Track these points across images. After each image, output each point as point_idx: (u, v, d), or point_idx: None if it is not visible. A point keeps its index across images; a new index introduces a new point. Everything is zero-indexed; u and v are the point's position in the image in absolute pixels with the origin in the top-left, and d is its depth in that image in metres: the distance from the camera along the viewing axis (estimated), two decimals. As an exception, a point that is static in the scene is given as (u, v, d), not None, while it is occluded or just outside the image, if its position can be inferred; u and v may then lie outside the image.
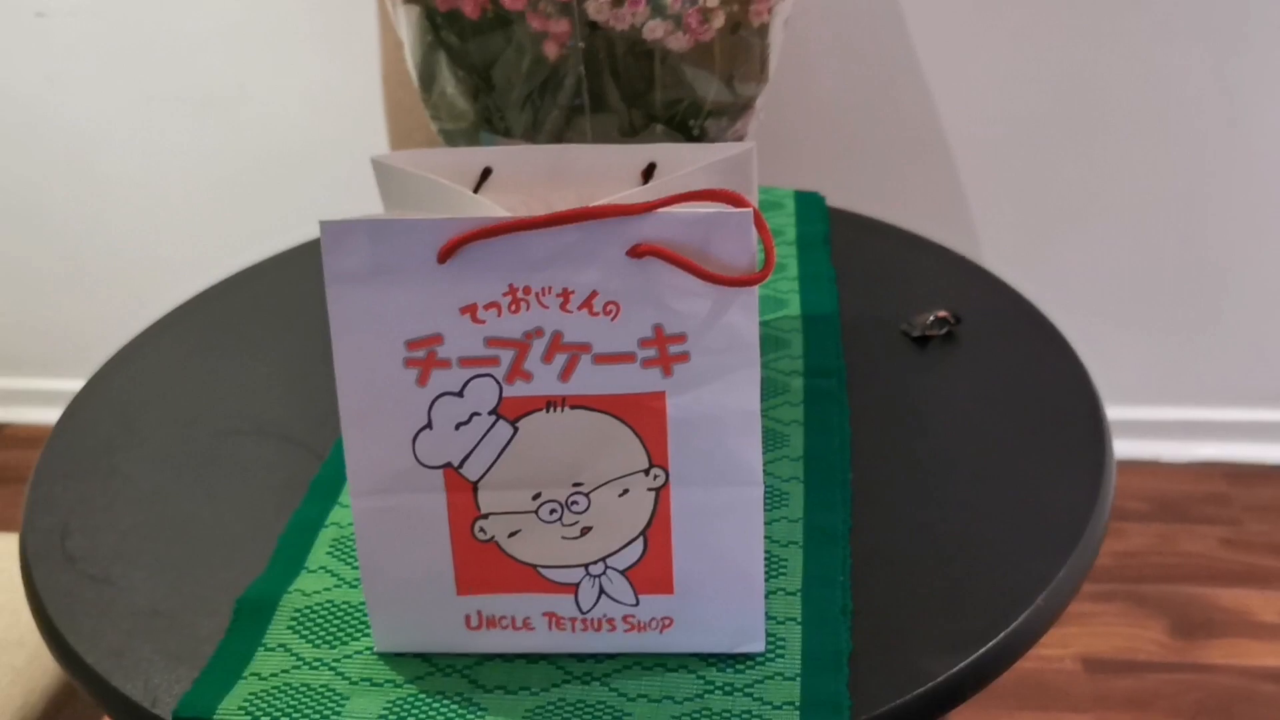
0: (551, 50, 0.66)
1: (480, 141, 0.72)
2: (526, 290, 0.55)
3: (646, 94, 0.67)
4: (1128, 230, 1.61)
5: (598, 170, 0.63)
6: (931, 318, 0.87)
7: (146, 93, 1.64)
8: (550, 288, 0.55)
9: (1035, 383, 0.82)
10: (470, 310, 0.55)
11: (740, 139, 0.73)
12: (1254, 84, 1.51)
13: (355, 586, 0.67)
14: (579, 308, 0.55)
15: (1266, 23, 1.47)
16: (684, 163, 0.62)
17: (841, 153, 1.57)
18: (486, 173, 0.63)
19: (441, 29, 0.67)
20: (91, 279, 1.79)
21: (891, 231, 0.99)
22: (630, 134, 0.68)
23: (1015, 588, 0.65)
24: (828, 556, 0.67)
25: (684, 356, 0.56)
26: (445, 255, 0.54)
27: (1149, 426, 1.73)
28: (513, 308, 0.55)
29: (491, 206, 0.57)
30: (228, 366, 0.89)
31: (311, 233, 1.09)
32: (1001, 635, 0.62)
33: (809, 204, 1.01)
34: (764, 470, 0.59)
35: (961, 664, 0.60)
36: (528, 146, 0.63)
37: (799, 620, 0.63)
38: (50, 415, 1.01)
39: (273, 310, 0.96)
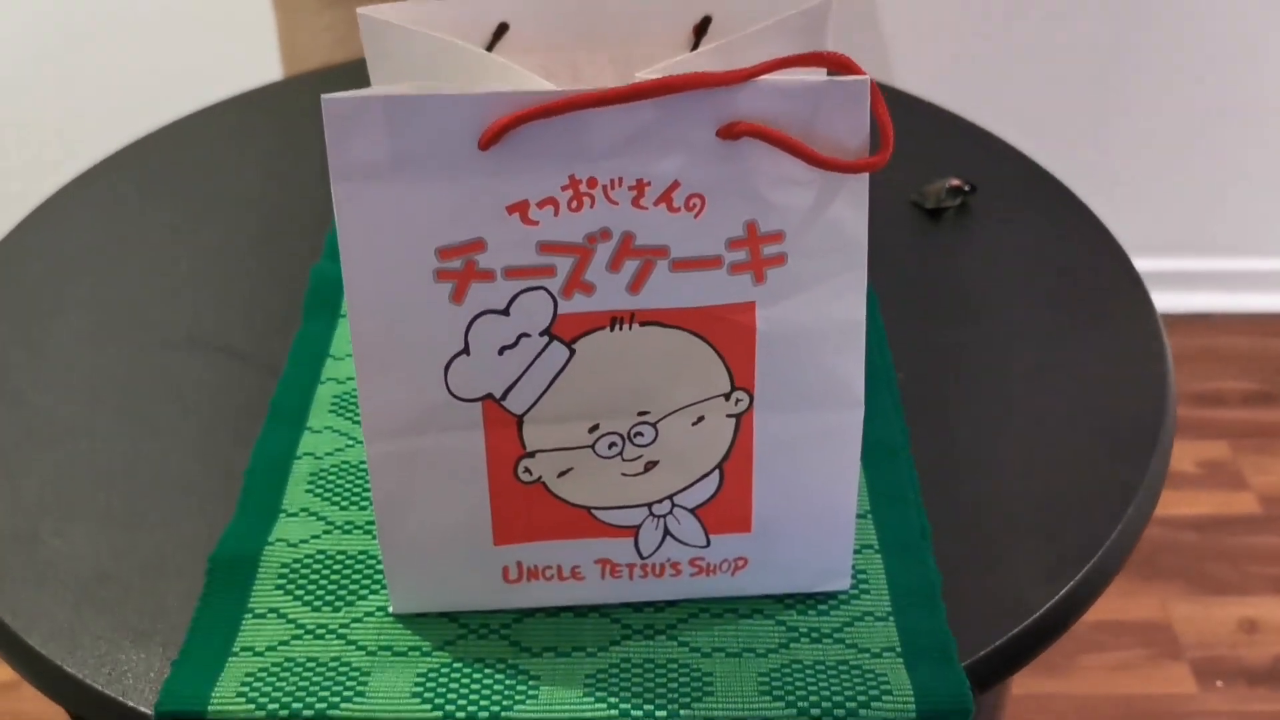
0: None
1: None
2: (591, 183, 0.44)
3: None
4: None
5: (638, 26, 0.51)
6: (945, 187, 0.79)
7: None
8: (620, 179, 0.44)
9: (1063, 253, 0.75)
10: (520, 209, 0.44)
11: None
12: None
13: (349, 532, 0.56)
14: (655, 203, 0.45)
15: None
16: (746, 15, 0.51)
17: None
18: (500, 31, 0.51)
19: None
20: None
21: (888, 93, 0.90)
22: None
23: (1102, 497, 0.58)
24: (892, 472, 0.59)
25: (779, 259, 0.46)
26: (490, 140, 0.43)
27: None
28: (573, 205, 0.44)
29: (527, 75, 0.45)
30: (139, 260, 0.75)
31: (214, 91, 0.94)
32: (1100, 552, 0.56)
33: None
34: None
35: (1064, 590, 0.54)
36: (551, -3, 0.51)
37: (876, 547, 0.55)
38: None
39: (189, 185, 0.82)
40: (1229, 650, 1.33)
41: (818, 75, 0.45)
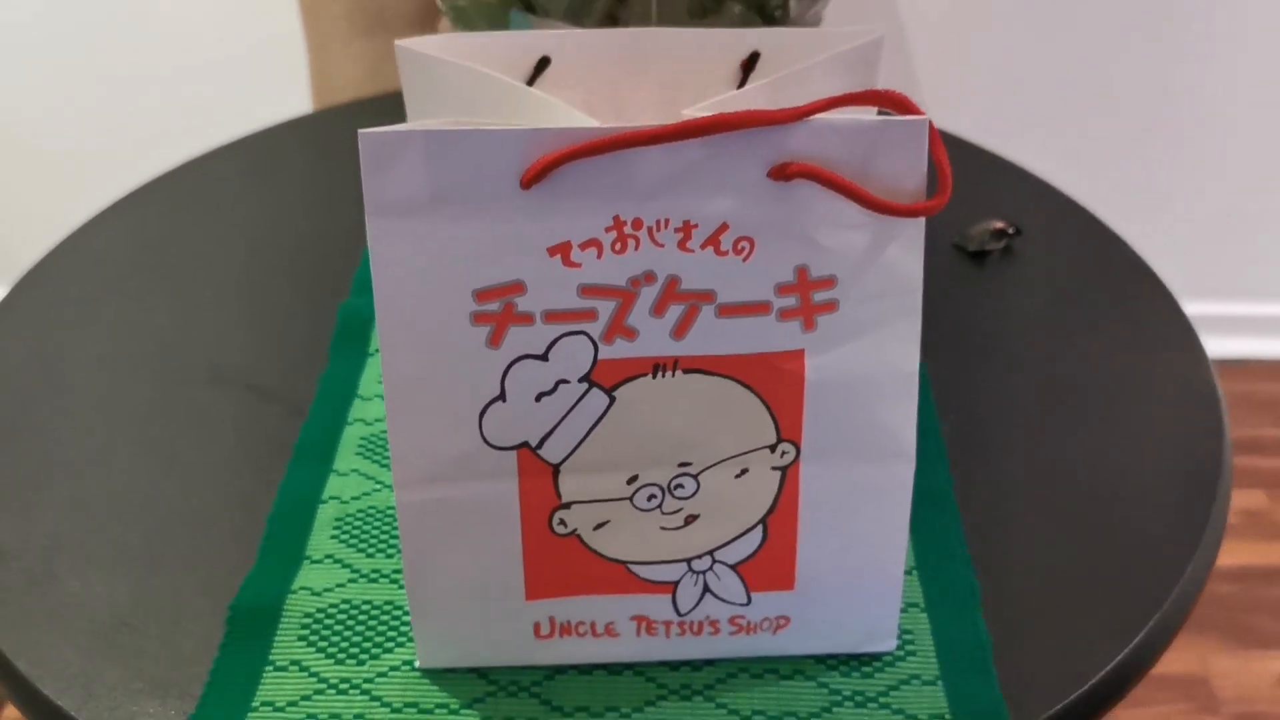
0: (610, -95, 0.52)
1: (509, 22, 0.57)
2: (636, 224, 0.42)
3: (719, -36, 0.54)
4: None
5: (683, 61, 0.50)
6: (989, 230, 0.77)
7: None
8: (667, 220, 0.42)
9: (1109, 298, 0.73)
10: (562, 250, 0.42)
11: (818, 21, 0.61)
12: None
13: (374, 580, 0.54)
14: (703, 245, 0.43)
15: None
16: (795, 52, 0.49)
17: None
18: (543, 64, 0.49)
19: (467, -125, 0.53)
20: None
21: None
22: (700, 15, 0.55)
23: (1159, 551, 0.56)
24: (939, 524, 0.57)
25: (831, 305, 0.44)
26: (532, 179, 0.41)
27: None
28: (617, 247, 0.42)
29: (571, 111, 0.44)
30: (166, 293, 0.74)
31: (244, 124, 0.93)
32: (1161, 611, 0.53)
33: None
34: None
35: (1124, 652, 0.51)
36: (595, 30, 0.49)
37: (922, 606, 0.53)
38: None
39: (217, 217, 0.81)
40: (1269, 706, 1.29)
41: (872, 114, 0.44)
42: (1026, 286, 0.75)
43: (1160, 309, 0.72)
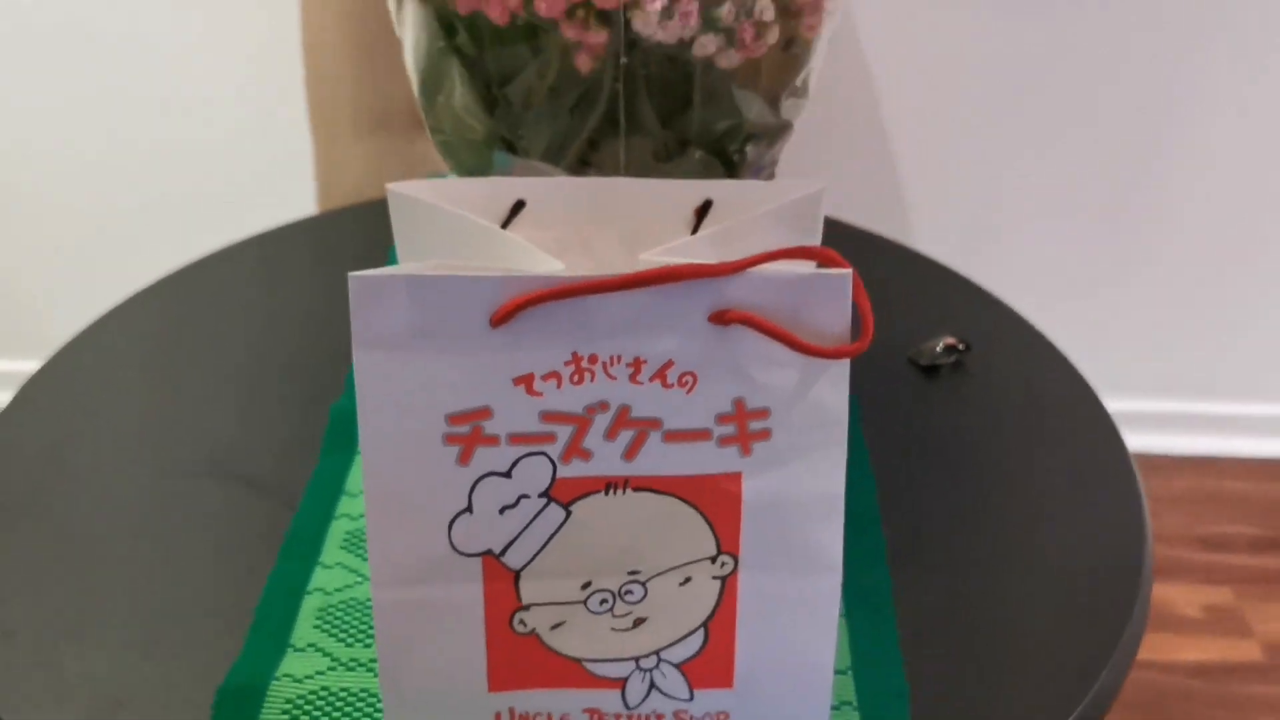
0: (584, 64, 0.58)
1: (491, 161, 0.63)
2: (592, 359, 0.48)
3: (683, 115, 0.60)
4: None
5: (645, 207, 0.55)
6: (940, 345, 0.82)
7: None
8: (619, 356, 0.48)
9: (1049, 413, 0.79)
10: (525, 381, 0.48)
11: (774, 164, 0.67)
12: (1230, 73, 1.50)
13: (352, 669, 0.59)
14: (651, 379, 0.48)
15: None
16: (744, 201, 0.55)
17: (844, 157, 1.51)
18: (518, 206, 0.55)
19: (457, 34, 0.59)
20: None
21: (887, 246, 0.94)
22: (665, 159, 0.61)
23: (1079, 655, 0.60)
24: (874, 626, 0.61)
25: (765, 434, 0.49)
26: (501, 319, 0.47)
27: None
28: (575, 378, 0.48)
29: (539, 254, 0.49)
30: (172, 387, 0.79)
31: (252, 224, 0.99)
32: (1077, 712, 0.58)
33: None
34: None
35: (1037, 754, 0.56)
36: (566, 179, 0.55)
37: (854, 704, 0.58)
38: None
39: (223, 316, 0.86)
40: (1231, 802, 1.32)
41: (806, 266, 0.49)
42: (974, 400, 0.80)
43: (1094, 425, 0.77)
